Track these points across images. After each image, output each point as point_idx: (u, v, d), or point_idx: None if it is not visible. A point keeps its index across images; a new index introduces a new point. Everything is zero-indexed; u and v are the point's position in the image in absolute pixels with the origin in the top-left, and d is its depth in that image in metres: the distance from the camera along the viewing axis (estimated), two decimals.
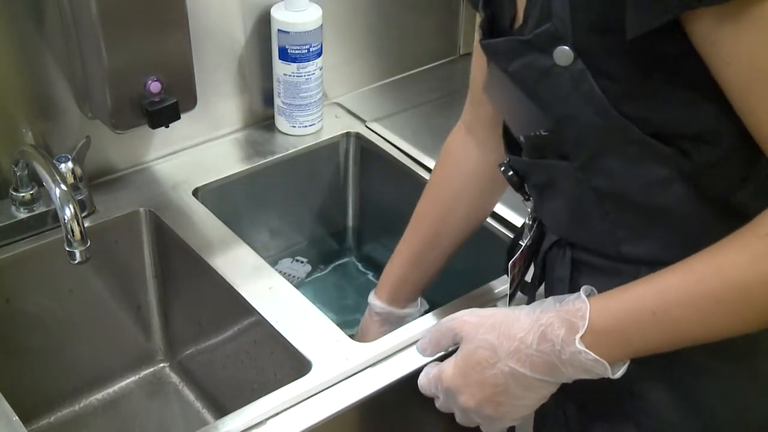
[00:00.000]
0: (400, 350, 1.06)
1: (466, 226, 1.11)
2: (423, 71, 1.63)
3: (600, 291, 0.80)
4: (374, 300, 1.17)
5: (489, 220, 1.27)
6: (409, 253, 1.14)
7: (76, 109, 1.25)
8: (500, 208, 1.26)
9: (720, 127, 0.73)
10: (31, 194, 1.21)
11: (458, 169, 1.09)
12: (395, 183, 1.42)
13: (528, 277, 1.00)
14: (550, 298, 0.80)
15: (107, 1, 1.08)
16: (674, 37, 0.69)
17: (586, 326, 0.74)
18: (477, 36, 0.92)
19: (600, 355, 0.74)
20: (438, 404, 0.88)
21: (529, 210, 0.96)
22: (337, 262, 1.50)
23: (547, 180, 0.87)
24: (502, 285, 1.13)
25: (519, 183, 0.91)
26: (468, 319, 0.83)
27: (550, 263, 0.93)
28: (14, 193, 1.20)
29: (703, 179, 0.76)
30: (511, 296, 1.01)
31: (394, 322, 1.16)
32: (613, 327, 0.74)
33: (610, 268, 0.84)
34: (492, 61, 0.84)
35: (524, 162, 0.88)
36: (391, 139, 1.44)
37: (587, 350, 0.74)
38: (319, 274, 1.48)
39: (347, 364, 1.03)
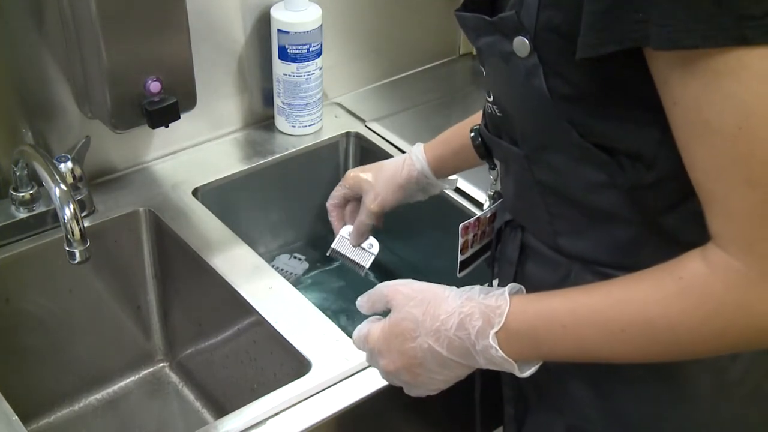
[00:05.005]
0: None
1: None
2: (423, 71, 1.63)
3: (542, 280, 0.83)
4: (420, 152, 1.14)
5: None
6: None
7: (76, 109, 1.25)
8: None
9: (660, 153, 0.73)
10: (31, 194, 1.21)
11: None
12: None
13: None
14: (477, 287, 0.82)
15: (107, 1, 1.09)
16: (628, 63, 0.69)
17: (501, 324, 0.77)
18: None
19: (510, 353, 0.77)
20: (365, 359, 0.92)
21: (492, 178, 0.97)
22: (337, 263, 1.50)
23: (503, 159, 0.89)
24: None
25: (484, 152, 0.93)
26: (401, 290, 0.85)
27: (504, 241, 0.94)
28: (14, 193, 1.20)
29: (635, 195, 0.77)
30: (463, 264, 1.01)
31: (421, 184, 1.15)
32: (526, 331, 0.77)
33: (552, 259, 0.86)
34: (465, 33, 0.85)
35: (487, 136, 0.90)
36: (391, 139, 1.44)
37: (497, 347, 0.77)
38: (318, 274, 1.48)
39: (347, 364, 1.03)
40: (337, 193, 1.21)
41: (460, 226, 0.97)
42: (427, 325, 0.81)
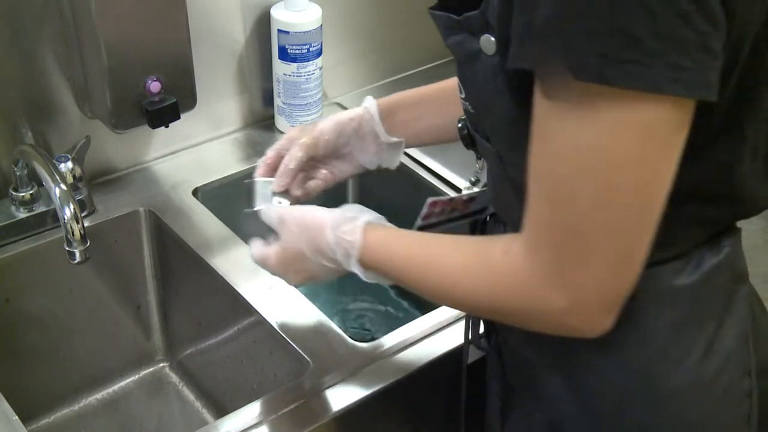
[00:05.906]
0: (399, 350, 1.06)
1: None
2: (423, 71, 1.63)
3: None
4: (372, 102, 1.09)
5: None
6: (432, 91, 1.09)
7: (76, 109, 1.25)
8: None
9: None
10: (31, 194, 1.21)
11: None
12: (395, 183, 1.41)
13: None
14: (342, 214, 0.91)
15: (107, 1, 1.09)
16: None
17: (356, 257, 0.89)
18: None
19: (370, 276, 0.90)
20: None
21: (477, 166, 1.00)
22: None
23: (482, 153, 0.91)
24: None
25: (470, 142, 0.94)
26: (285, 218, 0.96)
27: (488, 234, 0.96)
28: (14, 193, 1.20)
29: None
30: (421, 229, 1.01)
31: (363, 128, 1.08)
32: (373, 265, 0.89)
33: None
34: (438, 30, 0.86)
35: (470, 129, 0.91)
36: None
37: (359, 272, 0.90)
38: None
39: (347, 364, 1.03)
40: (273, 146, 1.07)
41: (429, 200, 0.98)
42: (311, 249, 0.92)
